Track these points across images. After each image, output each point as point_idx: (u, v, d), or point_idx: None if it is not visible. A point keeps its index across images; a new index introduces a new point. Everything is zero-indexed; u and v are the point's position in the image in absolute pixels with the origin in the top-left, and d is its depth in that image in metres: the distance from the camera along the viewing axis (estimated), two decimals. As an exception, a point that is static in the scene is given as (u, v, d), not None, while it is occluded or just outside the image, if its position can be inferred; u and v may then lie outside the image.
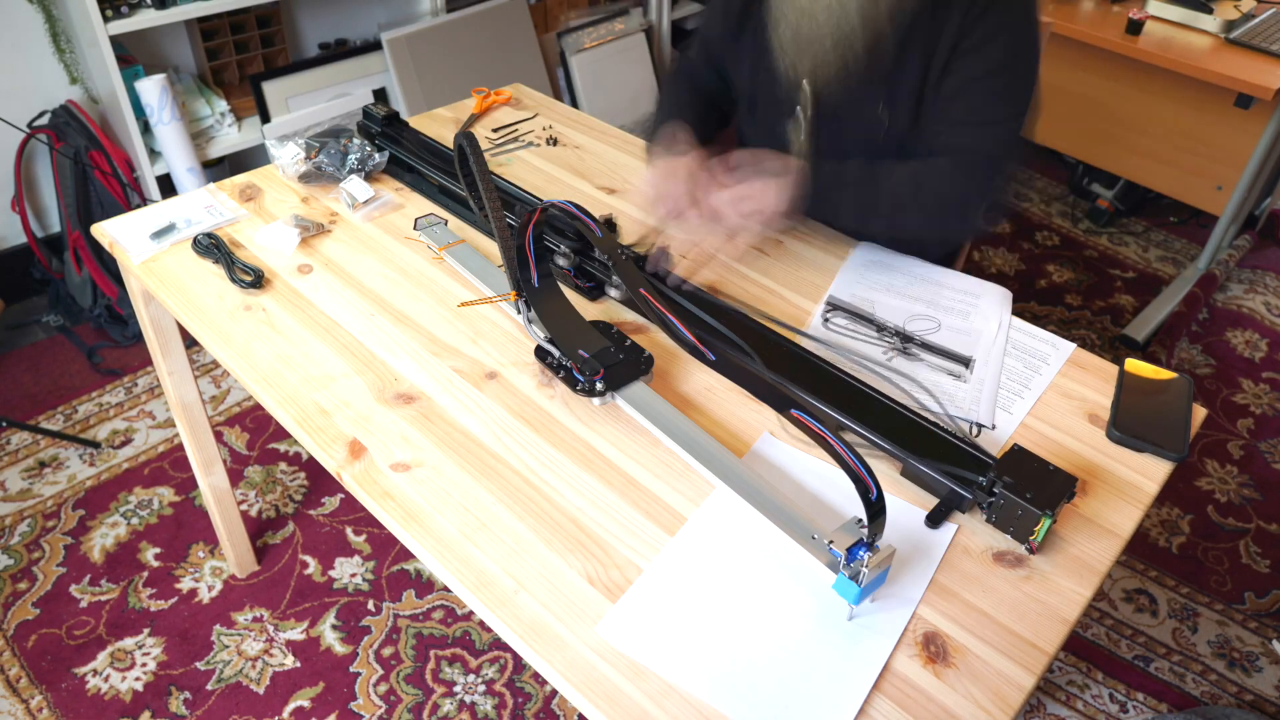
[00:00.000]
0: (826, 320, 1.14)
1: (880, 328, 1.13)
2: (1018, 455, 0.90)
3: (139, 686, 1.53)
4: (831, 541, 0.80)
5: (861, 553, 0.78)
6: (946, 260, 1.31)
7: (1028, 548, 0.87)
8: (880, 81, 1.21)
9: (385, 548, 1.76)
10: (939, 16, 1.16)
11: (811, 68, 1.23)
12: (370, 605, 1.66)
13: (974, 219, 1.22)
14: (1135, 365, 1.06)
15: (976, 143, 1.18)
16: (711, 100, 1.40)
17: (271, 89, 2.31)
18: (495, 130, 1.53)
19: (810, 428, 0.82)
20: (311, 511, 1.83)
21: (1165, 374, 1.06)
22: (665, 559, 0.85)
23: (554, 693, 1.54)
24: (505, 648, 1.60)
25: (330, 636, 1.61)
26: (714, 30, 1.39)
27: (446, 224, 1.25)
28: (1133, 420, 1.00)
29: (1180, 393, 1.04)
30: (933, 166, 1.19)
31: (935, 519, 0.89)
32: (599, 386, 0.98)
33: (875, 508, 0.78)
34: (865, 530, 0.79)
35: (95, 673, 1.55)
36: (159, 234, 1.22)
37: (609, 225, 1.26)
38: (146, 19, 1.98)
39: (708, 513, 0.90)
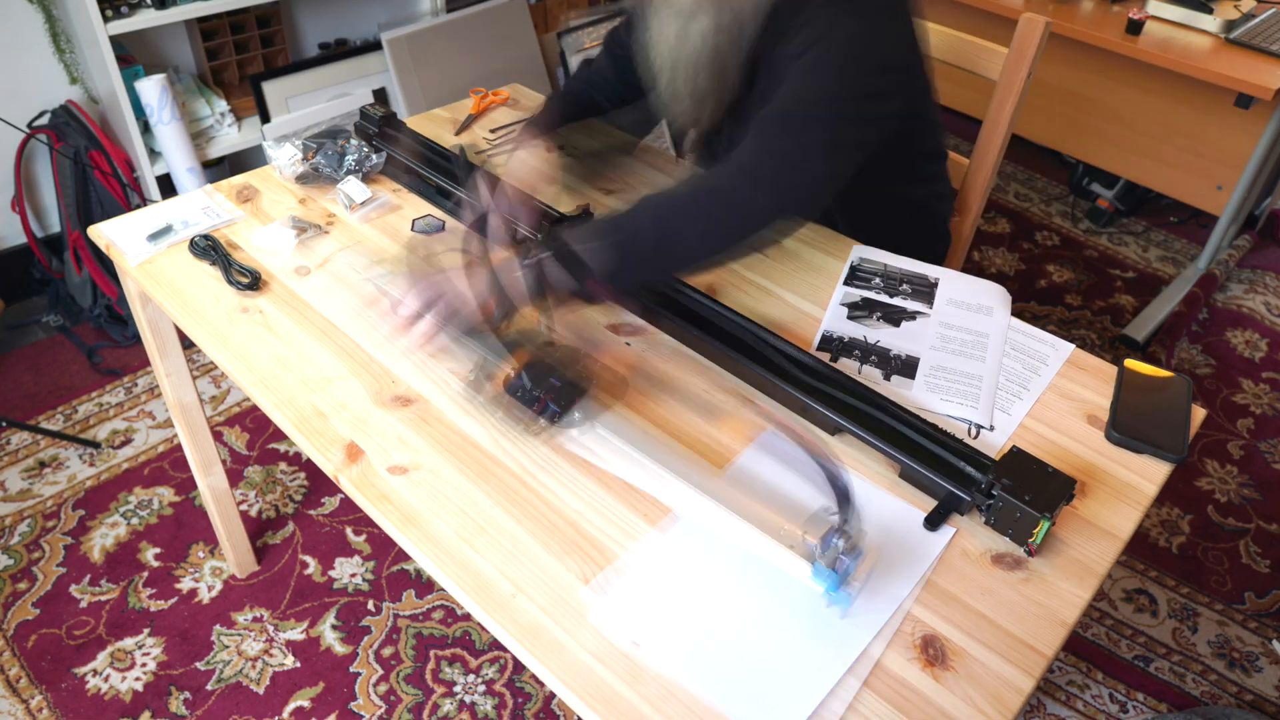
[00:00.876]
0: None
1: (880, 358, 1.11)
2: (1016, 457, 0.90)
3: (139, 686, 1.53)
4: (806, 533, 0.81)
5: (835, 540, 0.79)
6: (940, 260, 1.31)
7: (1026, 550, 0.87)
8: (738, 111, 1.22)
9: (385, 548, 1.76)
10: (779, 34, 1.13)
11: (676, 113, 1.25)
12: (370, 605, 1.66)
13: (771, 207, 1.05)
14: (1135, 365, 1.06)
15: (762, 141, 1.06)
16: (588, 109, 1.42)
17: (271, 89, 2.31)
18: (493, 131, 1.53)
19: (771, 418, 0.83)
20: (311, 511, 1.83)
21: (1165, 374, 1.06)
22: (648, 548, 0.85)
23: (554, 693, 1.54)
24: (505, 648, 1.60)
25: (330, 636, 1.61)
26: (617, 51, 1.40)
27: (444, 225, 1.25)
28: (1132, 421, 1.00)
29: (1180, 393, 1.04)
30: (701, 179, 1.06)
31: (934, 521, 0.89)
32: (544, 422, 0.96)
33: (842, 492, 0.78)
34: (835, 517, 0.79)
35: (95, 673, 1.55)
36: (156, 236, 1.22)
37: (586, 215, 1.26)
38: (146, 19, 1.98)
39: (693, 511, 0.90)
